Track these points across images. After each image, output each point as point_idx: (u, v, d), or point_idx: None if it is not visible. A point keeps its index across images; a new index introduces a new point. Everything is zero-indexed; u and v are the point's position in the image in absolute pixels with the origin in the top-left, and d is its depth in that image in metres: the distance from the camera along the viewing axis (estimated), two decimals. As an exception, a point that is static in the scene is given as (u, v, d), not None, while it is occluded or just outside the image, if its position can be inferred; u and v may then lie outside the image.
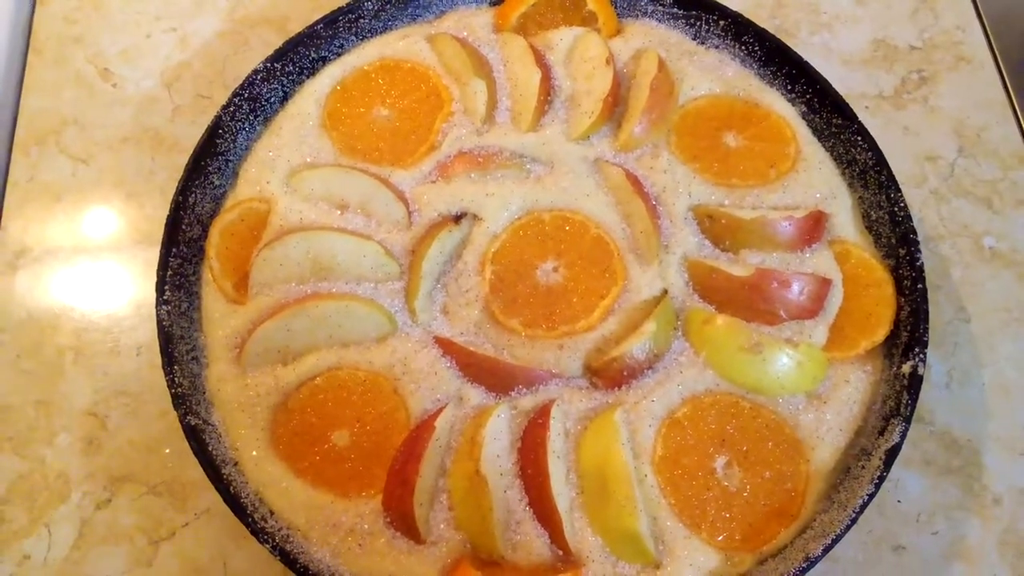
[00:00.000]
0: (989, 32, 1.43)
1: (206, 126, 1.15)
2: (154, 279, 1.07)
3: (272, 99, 1.22)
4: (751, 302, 1.08)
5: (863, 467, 1.01)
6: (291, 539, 0.98)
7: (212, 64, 1.39)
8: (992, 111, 1.37)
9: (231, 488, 0.98)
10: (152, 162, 1.31)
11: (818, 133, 1.21)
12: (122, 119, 1.34)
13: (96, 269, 1.24)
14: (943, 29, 1.44)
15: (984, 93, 1.39)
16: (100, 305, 1.22)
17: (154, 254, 1.09)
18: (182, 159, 1.13)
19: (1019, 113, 1.37)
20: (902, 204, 1.12)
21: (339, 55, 1.25)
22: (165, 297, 1.07)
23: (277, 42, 1.22)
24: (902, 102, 1.38)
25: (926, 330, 1.05)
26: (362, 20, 1.26)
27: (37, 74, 1.37)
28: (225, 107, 1.16)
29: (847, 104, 1.18)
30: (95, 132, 1.33)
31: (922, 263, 1.09)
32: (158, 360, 1.03)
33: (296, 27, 1.24)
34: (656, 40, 1.27)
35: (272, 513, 1.00)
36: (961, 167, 1.34)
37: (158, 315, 1.05)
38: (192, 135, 1.16)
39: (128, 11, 1.43)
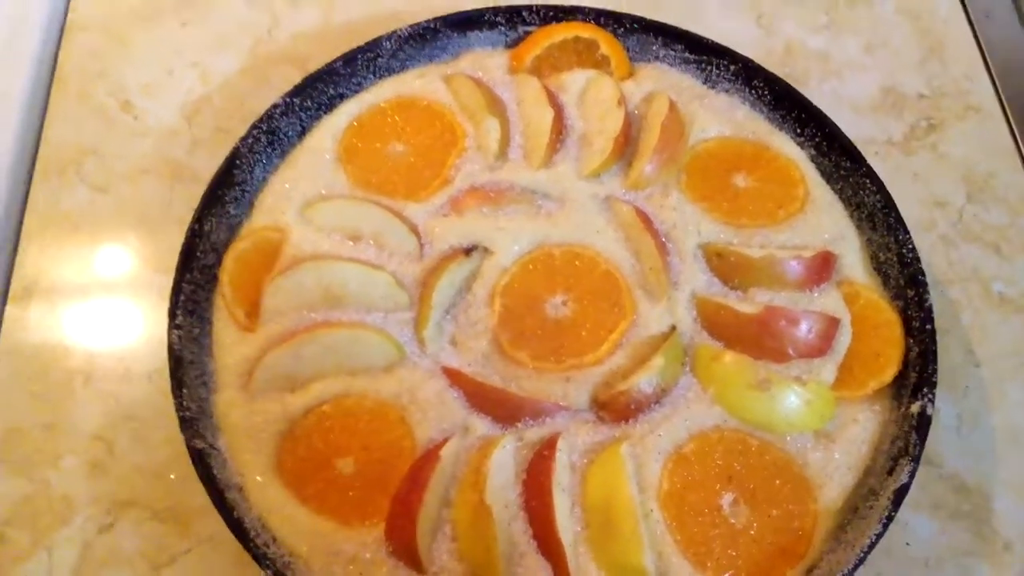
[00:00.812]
0: (997, 81, 1.45)
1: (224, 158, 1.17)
2: (167, 307, 1.08)
3: (290, 133, 1.24)
4: (759, 339, 1.08)
5: (871, 507, 1.00)
6: (292, 566, 0.97)
7: (232, 99, 1.41)
8: (1000, 159, 1.39)
9: (234, 512, 0.98)
10: (170, 193, 1.33)
11: (827, 176, 1.23)
12: (142, 150, 1.36)
13: (111, 296, 1.25)
14: (951, 78, 1.46)
15: (992, 141, 1.40)
16: (113, 331, 1.22)
17: (168, 283, 1.09)
18: (200, 191, 1.15)
19: (1027, 161, 1.38)
20: (910, 246, 1.13)
21: (356, 92, 1.28)
22: (177, 322, 1.07)
23: (297, 80, 1.24)
24: (911, 148, 1.40)
25: (935, 371, 1.05)
26: (380, 59, 1.29)
27: (60, 105, 1.40)
28: (244, 139, 1.18)
29: (855, 147, 1.20)
30: (115, 163, 1.35)
31: (931, 304, 1.09)
32: (168, 386, 1.04)
33: (316, 66, 1.26)
34: (667, 84, 1.29)
35: (275, 540, 0.99)
36: (970, 213, 1.34)
37: (169, 339, 1.06)
38: (210, 168, 1.18)
39: (151, 47, 1.46)
